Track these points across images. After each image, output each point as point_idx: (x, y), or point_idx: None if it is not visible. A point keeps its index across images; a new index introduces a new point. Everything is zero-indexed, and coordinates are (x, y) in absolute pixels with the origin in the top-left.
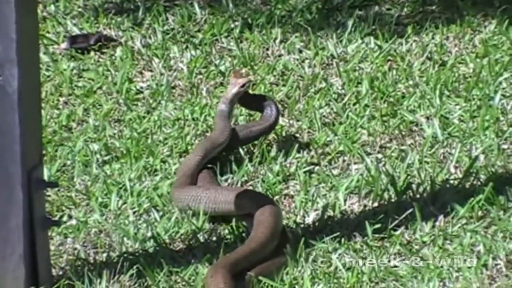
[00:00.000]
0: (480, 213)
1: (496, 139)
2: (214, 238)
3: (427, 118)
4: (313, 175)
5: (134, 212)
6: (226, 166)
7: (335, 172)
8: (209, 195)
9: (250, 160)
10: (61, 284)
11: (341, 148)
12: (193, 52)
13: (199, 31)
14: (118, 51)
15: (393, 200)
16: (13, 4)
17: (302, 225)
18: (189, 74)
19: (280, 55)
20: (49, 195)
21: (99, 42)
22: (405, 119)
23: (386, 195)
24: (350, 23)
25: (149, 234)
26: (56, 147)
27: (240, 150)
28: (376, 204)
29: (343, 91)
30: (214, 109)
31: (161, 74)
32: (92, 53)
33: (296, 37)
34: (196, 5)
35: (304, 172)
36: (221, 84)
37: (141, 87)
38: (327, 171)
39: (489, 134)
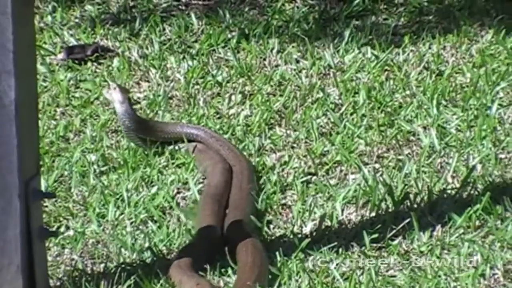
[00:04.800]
0: (477, 222)
1: (493, 149)
2: None
3: (424, 128)
4: (310, 185)
5: (131, 223)
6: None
7: (333, 182)
8: None
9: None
10: None
11: (338, 158)
12: (190, 63)
13: (196, 41)
14: (115, 62)
15: (390, 210)
16: (10, 15)
17: (299, 235)
18: (186, 84)
19: (277, 65)
20: (46, 206)
21: (96, 53)
22: (402, 129)
23: (383, 205)
24: (347, 33)
25: (146, 244)
26: (53, 157)
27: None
28: (373, 214)
29: (340, 101)
30: (212, 119)
31: (158, 84)
32: (89, 63)
33: (293, 47)
34: (193, 15)
35: (302, 182)
36: (218, 94)
37: (138, 98)
38: (324, 181)
39: (486, 144)
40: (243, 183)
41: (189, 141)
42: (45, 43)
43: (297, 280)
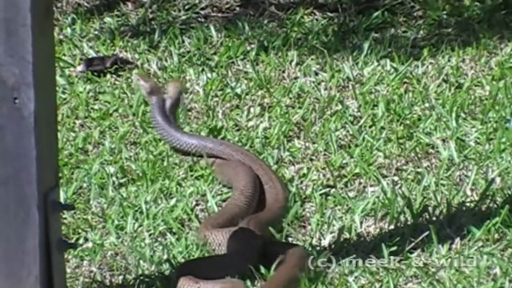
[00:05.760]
0: (496, 235)
1: None
2: None
3: (443, 140)
4: (329, 197)
5: (150, 235)
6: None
7: (351, 194)
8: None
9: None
10: None
11: (357, 170)
12: (209, 75)
13: (215, 53)
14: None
15: (409, 223)
16: (29, 27)
17: (318, 248)
18: (205, 96)
19: (296, 78)
20: (65, 218)
21: (115, 65)
22: (421, 142)
23: (402, 218)
24: (366, 45)
25: (165, 256)
26: (72, 169)
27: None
28: (392, 227)
29: (359, 113)
30: (231, 131)
31: None
32: (108, 75)
33: (312, 59)
34: (212, 27)
35: (320, 195)
36: (237, 106)
37: None
38: (343, 193)
39: (505, 157)
40: (279, 193)
41: (214, 157)
42: (64, 55)
43: None
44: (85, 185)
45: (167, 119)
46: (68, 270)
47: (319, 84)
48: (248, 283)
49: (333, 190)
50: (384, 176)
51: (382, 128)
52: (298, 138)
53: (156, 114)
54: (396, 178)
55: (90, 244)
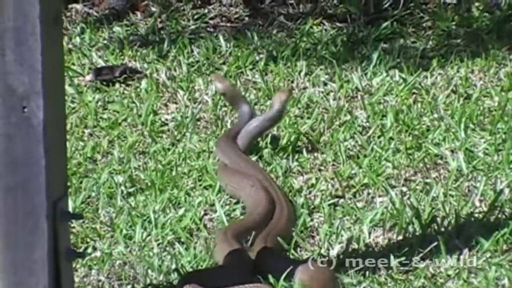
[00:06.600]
0: (505, 246)
1: None
2: None
3: (452, 151)
4: (337, 207)
5: (158, 244)
6: None
7: (360, 204)
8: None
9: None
10: None
11: (365, 181)
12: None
13: (224, 63)
14: (143, 83)
15: (417, 233)
16: (38, 36)
17: (326, 258)
18: (214, 106)
19: (305, 88)
20: (73, 227)
21: (124, 74)
22: (430, 152)
23: (410, 228)
24: (375, 56)
25: (173, 266)
26: (81, 178)
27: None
28: (400, 237)
29: (367, 124)
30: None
31: (186, 106)
32: (117, 85)
33: (321, 69)
34: (221, 37)
35: (329, 205)
36: None
37: (166, 119)
38: (351, 203)
39: None
40: (284, 205)
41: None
42: (73, 64)
43: None
44: (93, 194)
45: (233, 138)
46: (77, 279)
47: (328, 94)
48: None
49: (341, 200)
50: (393, 187)
51: (391, 138)
52: (307, 148)
53: (239, 124)
54: (404, 189)
55: (98, 253)
